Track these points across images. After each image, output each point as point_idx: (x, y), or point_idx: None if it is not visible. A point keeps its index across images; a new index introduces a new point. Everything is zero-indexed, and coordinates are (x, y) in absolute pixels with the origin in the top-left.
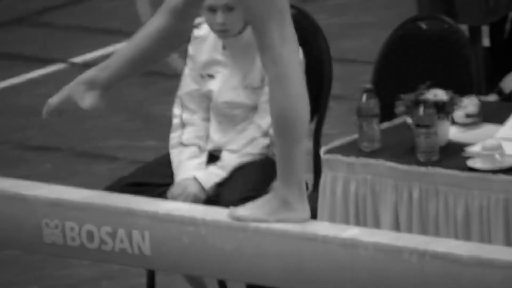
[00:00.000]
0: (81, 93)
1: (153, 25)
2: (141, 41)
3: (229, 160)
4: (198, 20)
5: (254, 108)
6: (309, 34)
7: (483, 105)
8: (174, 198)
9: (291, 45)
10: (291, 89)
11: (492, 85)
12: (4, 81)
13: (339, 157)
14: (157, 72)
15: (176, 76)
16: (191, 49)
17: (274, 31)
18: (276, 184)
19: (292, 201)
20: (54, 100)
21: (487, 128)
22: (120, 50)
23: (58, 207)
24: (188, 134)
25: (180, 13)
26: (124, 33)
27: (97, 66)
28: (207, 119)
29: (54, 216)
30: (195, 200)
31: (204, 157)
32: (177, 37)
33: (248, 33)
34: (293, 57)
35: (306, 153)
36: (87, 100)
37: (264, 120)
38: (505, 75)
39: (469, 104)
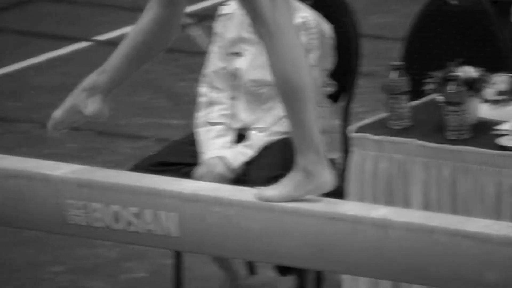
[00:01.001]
0: (83, 101)
1: (144, 19)
2: (134, 37)
3: (257, 139)
4: None
5: None
6: (336, 10)
7: None
8: (201, 177)
9: (282, 9)
10: (289, 53)
11: None
12: (28, 59)
13: (368, 135)
14: (179, 49)
15: (199, 53)
16: (217, 26)
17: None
18: (296, 157)
19: (313, 168)
20: (58, 113)
21: None
22: (116, 51)
23: (83, 188)
24: (214, 113)
25: (168, 2)
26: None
27: (96, 71)
28: (234, 98)
29: (79, 196)
30: (222, 179)
31: (230, 136)
32: (169, 27)
33: None
34: (286, 22)
35: (317, 116)
36: (91, 106)
37: None
38: None
39: (500, 81)
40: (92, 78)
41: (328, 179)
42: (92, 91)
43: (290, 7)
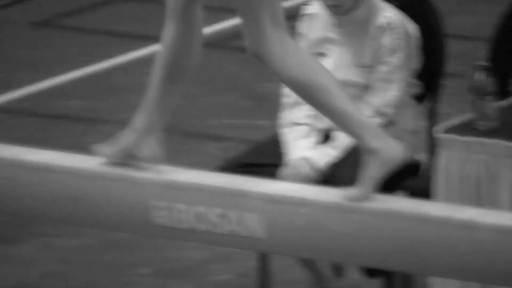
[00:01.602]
0: (137, 144)
1: (164, 40)
2: (162, 62)
3: (342, 140)
4: None
5: (366, 87)
6: (422, 10)
7: None
8: (286, 178)
9: (281, 28)
10: (291, 57)
11: None
12: (111, 59)
13: (455, 136)
14: None
15: None
16: (302, 26)
17: (265, 14)
18: (357, 144)
19: (374, 144)
20: (108, 151)
21: None
22: (150, 81)
23: (167, 188)
24: (298, 113)
25: (181, 14)
26: (228, 10)
27: (140, 109)
28: None
29: (163, 197)
30: (307, 180)
31: (315, 137)
32: (191, 41)
33: (361, 10)
34: (284, 37)
35: (345, 95)
36: (145, 151)
37: (376, 99)
38: None
39: None
40: (140, 118)
41: (393, 149)
42: (144, 133)
43: (286, 31)
